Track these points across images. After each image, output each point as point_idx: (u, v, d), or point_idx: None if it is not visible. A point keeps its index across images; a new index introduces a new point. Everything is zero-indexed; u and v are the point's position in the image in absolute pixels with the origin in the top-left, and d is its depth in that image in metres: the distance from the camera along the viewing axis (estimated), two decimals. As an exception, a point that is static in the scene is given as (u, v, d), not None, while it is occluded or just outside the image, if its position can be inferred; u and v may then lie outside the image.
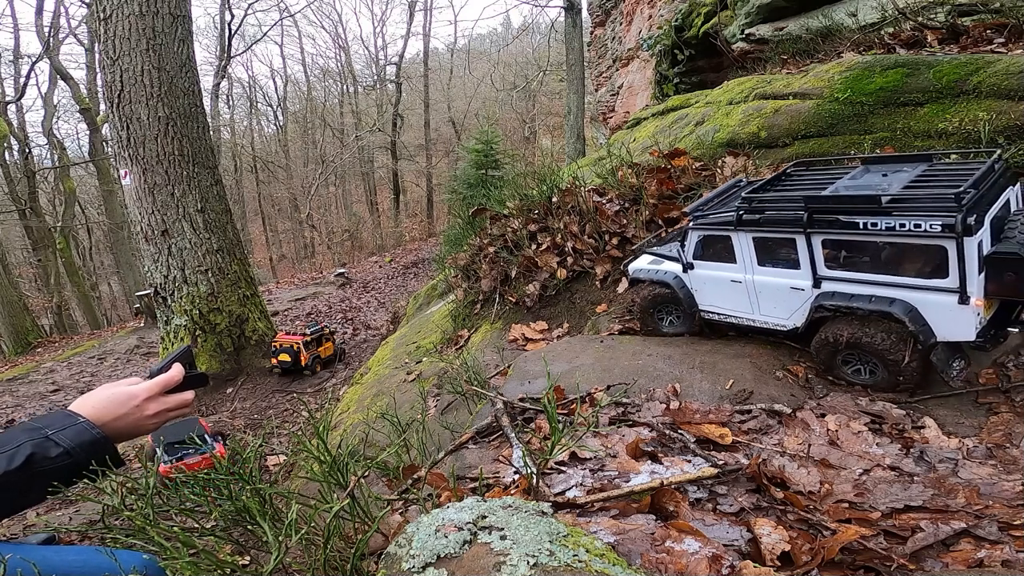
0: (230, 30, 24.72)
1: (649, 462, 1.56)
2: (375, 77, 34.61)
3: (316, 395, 7.46)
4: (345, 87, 35.47)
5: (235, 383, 7.93)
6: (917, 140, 3.11)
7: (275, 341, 8.08)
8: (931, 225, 1.55)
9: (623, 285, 3.23)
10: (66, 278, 20.78)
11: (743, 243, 2.06)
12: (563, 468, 1.56)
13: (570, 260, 3.56)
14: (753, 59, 6.17)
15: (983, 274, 1.60)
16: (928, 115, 3.12)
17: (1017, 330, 1.74)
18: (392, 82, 32.27)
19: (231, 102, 33.48)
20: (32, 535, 1.28)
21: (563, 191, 3.92)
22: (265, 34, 34.58)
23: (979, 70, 3.05)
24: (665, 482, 1.37)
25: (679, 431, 1.72)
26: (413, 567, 0.84)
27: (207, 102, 20.49)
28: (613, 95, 15.67)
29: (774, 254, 2.01)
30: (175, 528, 1.11)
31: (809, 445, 1.62)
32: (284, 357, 7.87)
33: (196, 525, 1.22)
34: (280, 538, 1.01)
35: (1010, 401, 1.74)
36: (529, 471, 1.35)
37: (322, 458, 1.31)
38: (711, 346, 2.39)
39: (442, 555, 0.85)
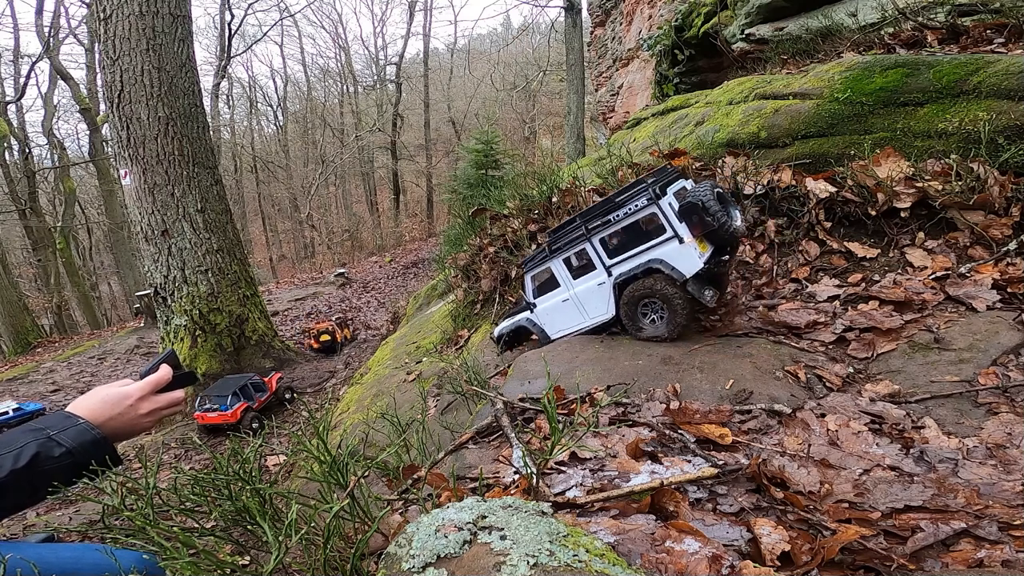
0: (230, 30, 24.75)
1: (649, 462, 1.56)
2: (375, 77, 34.62)
3: (316, 395, 7.46)
4: (345, 87, 35.48)
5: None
6: (917, 140, 3.10)
7: (310, 328, 10.04)
8: (641, 202, 2.33)
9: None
10: (66, 278, 20.79)
11: (559, 267, 2.67)
12: (563, 468, 1.55)
13: (570, 260, 3.56)
14: (753, 59, 6.17)
15: (684, 223, 2.28)
16: (928, 115, 3.11)
17: (727, 258, 2.51)
18: (392, 82, 32.28)
19: (231, 102, 33.53)
20: (32, 535, 1.28)
21: (563, 191, 3.91)
22: (265, 34, 34.76)
23: (979, 70, 3.04)
24: (665, 482, 1.37)
25: (679, 431, 1.72)
26: (413, 567, 0.84)
27: (207, 102, 20.51)
28: (613, 95, 15.69)
29: (579, 265, 2.61)
30: (175, 528, 1.11)
31: (809, 445, 1.62)
32: (325, 337, 9.51)
33: (196, 525, 1.22)
34: (280, 538, 1.01)
35: (1010, 401, 1.75)
36: (529, 471, 1.35)
37: (322, 458, 1.31)
38: (712, 346, 2.40)
39: (442, 555, 0.85)
